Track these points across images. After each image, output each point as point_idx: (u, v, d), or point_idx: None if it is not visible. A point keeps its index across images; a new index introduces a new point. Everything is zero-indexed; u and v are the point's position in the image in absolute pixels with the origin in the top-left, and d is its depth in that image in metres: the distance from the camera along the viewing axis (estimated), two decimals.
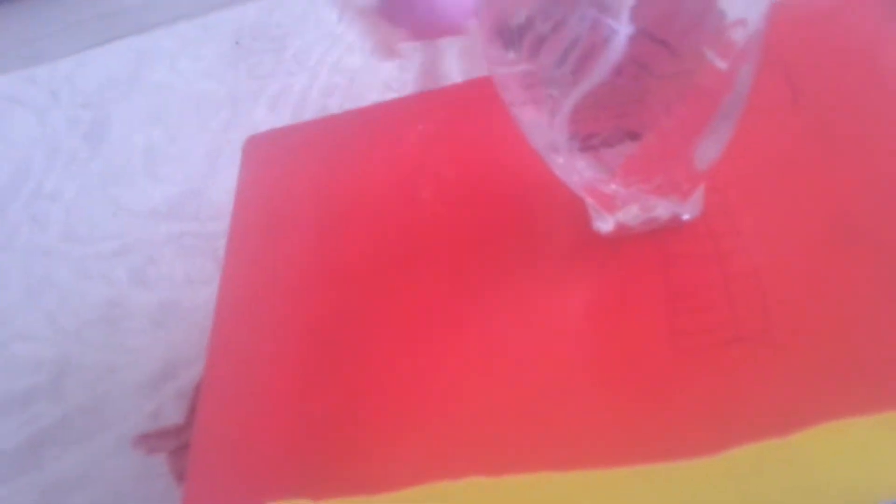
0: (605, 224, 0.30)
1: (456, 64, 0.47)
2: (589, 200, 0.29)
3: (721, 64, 0.22)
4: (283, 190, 0.39)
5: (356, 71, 0.54)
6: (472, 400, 0.30)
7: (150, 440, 0.47)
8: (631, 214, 0.29)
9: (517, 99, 0.24)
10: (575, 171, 0.26)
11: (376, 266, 0.35)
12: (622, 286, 0.30)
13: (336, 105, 0.52)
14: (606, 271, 0.31)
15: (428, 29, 0.35)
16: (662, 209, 0.29)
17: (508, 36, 0.22)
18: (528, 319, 0.31)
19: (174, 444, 0.46)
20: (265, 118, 0.53)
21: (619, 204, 0.28)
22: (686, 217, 0.30)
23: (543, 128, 0.24)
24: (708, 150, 0.26)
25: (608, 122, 0.24)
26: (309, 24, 0.60)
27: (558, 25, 0.21)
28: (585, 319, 0.31)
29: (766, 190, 0.31)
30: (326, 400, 0.31)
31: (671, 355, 0.28)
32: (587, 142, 0.25)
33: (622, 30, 0.21)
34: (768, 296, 0.29)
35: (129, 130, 0.59)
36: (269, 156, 0.41)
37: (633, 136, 0.25)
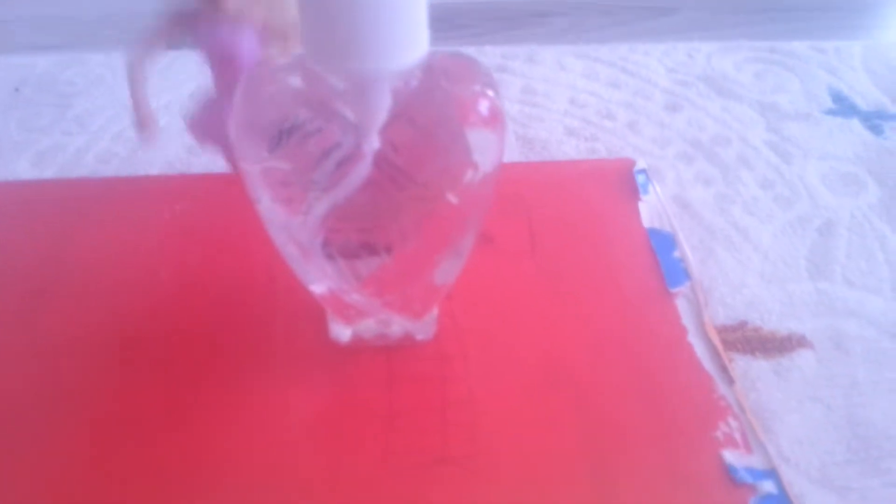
0: (342, 334, 0.31)
1: None
2: (328, 309, 0.29)
3: (454, 199, 0.24)
4: (9, 248, 0.37)
5: (140, 144, 0.52)
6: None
7: None
8: (367, 327, 0.30)
9: (266, 196, 0.24)
10: (318, 276, 0.27)
11: (91, 345, 0.32)
12: (348, 398, 0.31)
13: (110, 173, 0.50)
14: (335, 381, 0.31)
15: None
16: (397, 326, 0.30)
17: (262, 132, 0.23)
18: (249, 418, 0.30)
19: None
20: (25, 172, 0.49)
21: (356, 316, 0.29)
22: (419, 337, 0.31)
23: (292, 229, 0.25)
24: (442, 276, 0.27)
25: (356, 234, 0.25)
26: (103, 89, 0.58)
27: (318, 131, 0.22)
28: (307, 428, 0.31)
29: (494, 325, 0.34)
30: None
31: (382, 473, 0.29)
32: (334, 249, 0.26)
33: (367, 147, 0.22)
34: (479, 423, 0.30)
35: None
36: (4, 209, 0.38)
37: (378, 250, 0.26)
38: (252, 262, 0.35)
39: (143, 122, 0.37)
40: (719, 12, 0.72)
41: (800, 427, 0.38)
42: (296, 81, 0.23)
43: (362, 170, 0.22)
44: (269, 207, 0.25)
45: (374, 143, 0.22)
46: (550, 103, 0.58)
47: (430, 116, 0.23)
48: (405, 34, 0.21)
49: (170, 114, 0.55)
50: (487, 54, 0.63)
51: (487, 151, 0.24)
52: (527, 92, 0.59)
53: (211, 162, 0.51)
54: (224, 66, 0.34)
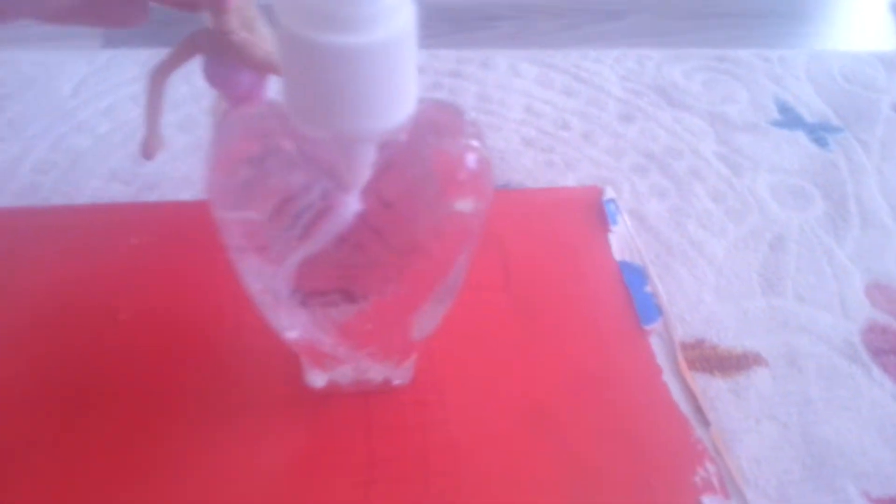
0: (317, 380, 0.30)
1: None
2: (302, 356, 0.28)
3: (438, 251, 0.23)
4: None
5: (81, 153, 0.49)
6: None
7: None
8: (343, 374, 0.29)
9: (239, 244, 0.23)
10: (292, 324, 0.26)
11: (40, 392, 0.30)
12: (324, 446, 0.30)
13: (49, 185, 0.47)
14: (311, 429, 0.30)
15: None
16: (375, 373, 0.29)
17: (238, 183, 0.21)
18: (219, 470, 0.29)
19: None
20: None
21: (332, 363, 0.28)
22: (396, 382, 0.31)
23: (265, 277, 0.24)
24: (424, 324, 0.27)
25: (333, 283, 0.24)
26: (37, 91, 0.54)
27: (292, 187, 0.21)
28: (282, 479, 0.30)
29: (472, 366, 0.33)
30: None
31: None
32: (310, 298, 0.25)
33: (350, 205, 0.21)
34: (462, 470, 0.30)
35: None
36: None
37: (356, 299, 0.25)
38: (217, 301, 0.33)
39: (152, 142, 0.35)
40: (666, 17, 0.73)
41: (757, 446, 0.39)
42: (273, 124, 0.21)
43: (339, 223, 0.21)
44: (240, 255, 0.23)
45: (355, 204, 0.21)
46: (506, 111, 0.58)
47: (416, 173, 0.22)
48: (395, 95, 0.20)
49: (111, 119, 0.52)
50: (442, 59, 0.62)
51: (473, 206, 0.23)
52: (482, 99, 0.59)
53: (158, 170, 0.49)
54: (224, 93, 0.32)
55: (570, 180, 0.52)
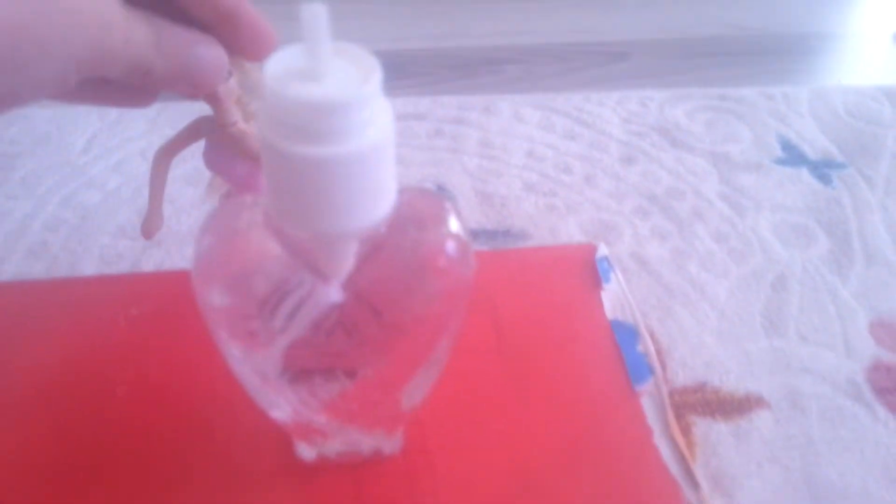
0: (307, 453, 0.30)
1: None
2: (291, 434, 0.29)
3: (422, 332, 0.23)
4: None
5: (90, 209, 0.51)
6: None
7: None
8: (331, 448, 0.29)
9: (223, 330, 0.23)
10: (279, 403, 0.26)
11: (37, 466, 0.31)
12: None
13: (59, 242, 0.48)
14: (302, 500, 0.30)
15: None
16: (365, 444, 0.29)
17: (222, 274, 0.22)
18: None
19: None
20: None
21: (321, 438, 0.29)
22: (387, 452, 0.31)
23: (252, 361, 0.24)
24: (413, 395, 0.27)
25: (321, 361, 0.25)
26: (49, 148, 0.56)
27: (275, 279, 0.22)
28: None
29: (462, 432, 0.33)
30: None
31: None
32: (298, 377, 0.25)
33: (332, 295, 0.22)
34: None
35: None
36: None
37: (345, 374, 0.26)
38: (211, 373, 0.34)
39: (152, 222, 0.36)
40: (669, 58, 0.73)
41: (759, 490, 0.38)
42: (258, 218, 0.22)
43: (319, 311, 0.22)
44: (227, 342, 0.24)
45: (336, 294, 0.22)
46: (508, 157, 0.58)
47: (397, 261, 0.23)
48: (374, 196, 0.21)
49: (120, 174, 0.54)
50: (444, 105, 0.63)
51: (456, 289, 0.24)
52: (484, 145, 0.59)
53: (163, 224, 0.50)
54: (222, 179, 0.34)
55: (571, 224, 0.52)
